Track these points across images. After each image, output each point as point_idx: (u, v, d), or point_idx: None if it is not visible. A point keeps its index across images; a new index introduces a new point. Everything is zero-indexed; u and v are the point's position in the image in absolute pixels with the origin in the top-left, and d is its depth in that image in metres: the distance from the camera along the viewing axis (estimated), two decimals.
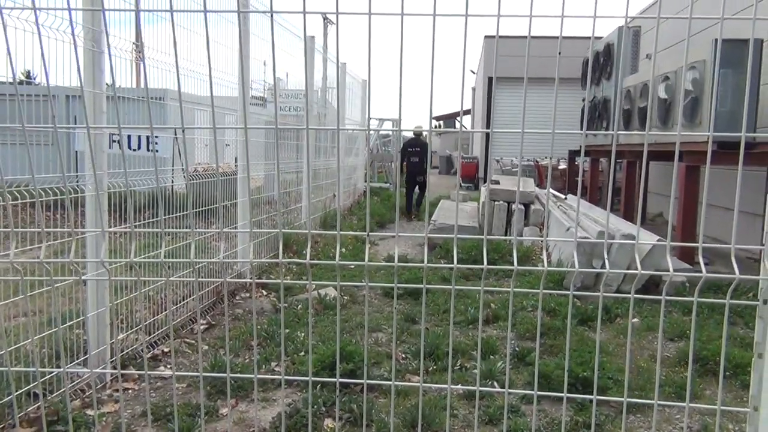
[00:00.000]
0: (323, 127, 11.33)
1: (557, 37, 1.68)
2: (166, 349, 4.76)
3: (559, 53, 1.66)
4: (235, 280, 6.49)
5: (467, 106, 35.75)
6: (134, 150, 4.99)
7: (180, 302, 5.41)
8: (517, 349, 4.82)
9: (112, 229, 3.72)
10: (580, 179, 2.02)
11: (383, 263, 7.58)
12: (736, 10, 9.66)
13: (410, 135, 13.96)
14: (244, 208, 6.58)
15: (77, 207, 4.13)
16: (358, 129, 15.14)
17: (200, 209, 5.85)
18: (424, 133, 13.31)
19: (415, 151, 13.31)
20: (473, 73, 32.46)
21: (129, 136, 4.89)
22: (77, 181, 4.17)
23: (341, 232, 1.67)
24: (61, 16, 3.50)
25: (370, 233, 1.74)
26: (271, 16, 1.40)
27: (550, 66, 13.02)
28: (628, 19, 1.80)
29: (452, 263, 1.61)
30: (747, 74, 6.13)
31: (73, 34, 1.36)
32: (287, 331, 5.13)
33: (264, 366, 4.48)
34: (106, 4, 3.90)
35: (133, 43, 4.85)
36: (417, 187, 13.43)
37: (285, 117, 10.64)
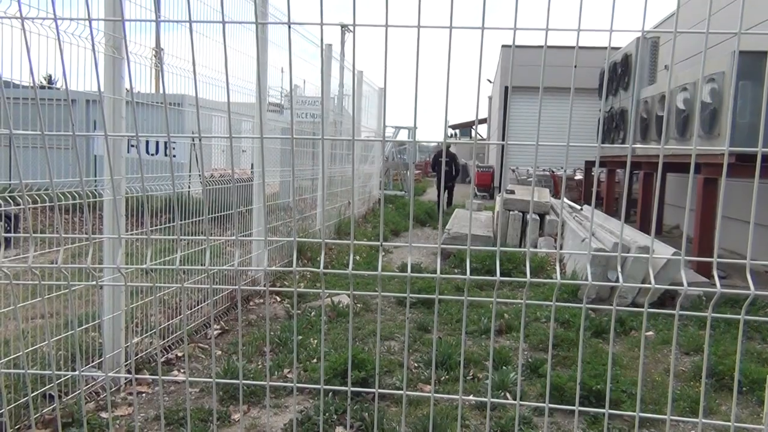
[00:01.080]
0: (338, 136, 11.37)
1: (573, 48, 1.68)
2: (180, 354, 4.79)
3: (575, 66, 1.66)
4: (249, 287, 6.52)
5: (484, 115, 35.71)
6: (152, 155, 5.06)
7: (194, 307, 5.44)
8: (530, 360, 4.80)
9: (127, 236, 3.75)
10: (594, 190, 2.01)
11: (396, 273, 7.58)
12: (755, 23, 9.58)
13: (430, 144, 15.10)
14: (259, 215, 6.61)
15: (95, 211, 4.18)
16: (373, 140, 15.19)
17: (216, 215, 5.89)
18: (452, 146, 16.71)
19: (444, 161, 16.13)
20: (490, 82, 32.45)
21: (147, 141, 4.95)
22: (95, 186, 4.22)
23: (354, 242, 1.68)
24: (84, 22, 3.56)
25: (384, 243, 1.74)
26: (289, 27, 1.42)
27: (568, 75, 12.99)
28: (654, 23, 1.80)
29: (466, 273, 1.62)
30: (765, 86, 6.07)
31: (93, 49, 1.39)
32: (300, 337, 5.14)
33: (276, 372, 4.49)
34: (127, 11, 3.96)
35: (153, 50, 4.91)
36: (447, 192, 15.71)
37: (301, 123, 10.69)
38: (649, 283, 1.58)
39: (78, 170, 1.64)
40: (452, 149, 16.73)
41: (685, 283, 1.54)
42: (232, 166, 1.63)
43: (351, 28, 1.60)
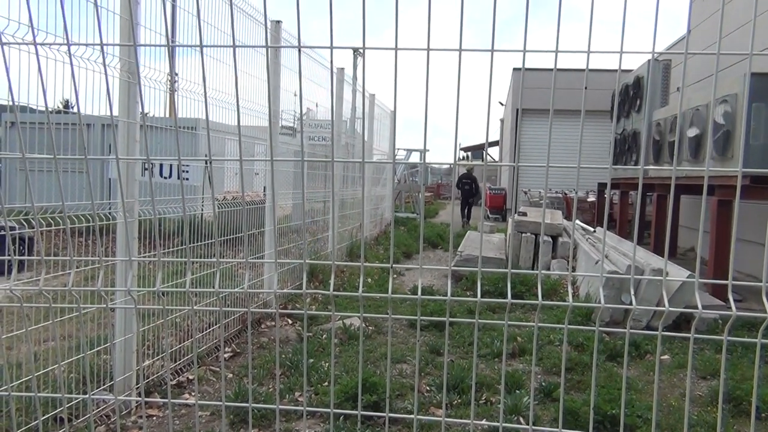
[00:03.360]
0: (350, 159, 11.41)
1: (588, 70, 1.68)
2: (191, 377, 4.78)
3: (585, 88, 1.66)
4: (260, 309, 6.51)
5: (496, 137, 35.78)
6: (165, 178, 5.09)
7: (205, 330, 5.44)
8: (543, 384, 4.74)
9: (138, 258, 3.77)
10: (606, 212, 2.00)
11: (407, 295, 7.54)
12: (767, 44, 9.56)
13: (442, 167, 17.05)
14: (271, 237, 6.63)
15: (109, 234, 4.20)
16: (384, 162, 15.30)
17: (228, 237, 5.91)
18: (475, 168, 21.42)
19: (467, 182, 20.52)
20: (502, 104, 32.53)
21: (161, 165, 4.99)
22: (110, 209, 4.25)
23: (365, 264, 1.68)
24: (98, 48, 3.62)
25: (393, 265, 1.74)
26: (299, 50, 1.43)
27: (580, 98, 13.01)
28: (656, 54, 1.80)
29: (478, 295, 1.61)
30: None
31: (105, 73, 1.41)
32: (311, 360, 5.12)
33: (287, 396, 4.47)
34: (142, 37, 4.02)
35: (167, 75, 4.98)
36: (468, 207, 20.31)
37: (314, 147, 10.76)
38: (664, 306, 1.56)
39: (90, 193, 1.65)
40: (474, 173, 21.31)
41: (699, 306, 1.52)
42: (242, 188, 1.63)
43: (362, 51, 1.61)
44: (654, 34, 1.65)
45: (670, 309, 1.53)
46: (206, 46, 1.40)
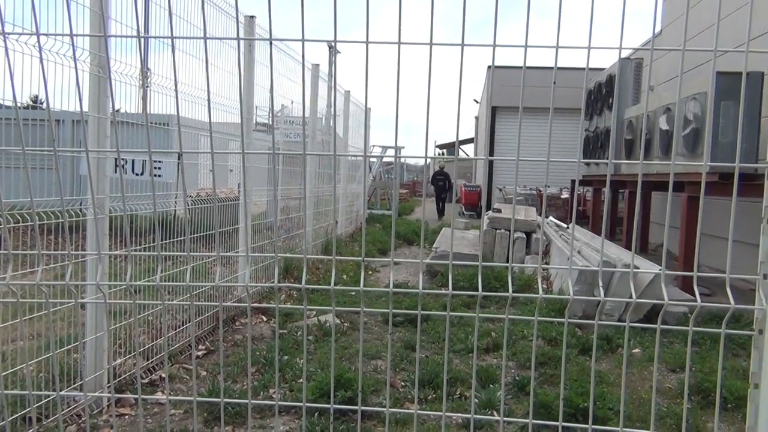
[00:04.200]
0: (325, 153, 11.39)
1: (560, 68, 1.70)
2: (163, 375, 4.73)
3: (554, 83, 1.68)
4: (233, 304, 6.47)
5: (471, 134, 35.96)
6: (138, 174, 5.03)
7: (178, 327, 5.39)
8: (517, 378, 4.78)
9: (108, 253, 3.72)
10: (573, 206, 2.03)
11: (379, 288, 7.54)
12: (739, 43, 9.75)
13: (417, 164, 17.53)
14: (245, 234, 6.59)
15: (79, 231, 4.14)
16: (358, 155, 15.30)
17: (201, 234, 5.86)
18: (446, 167, 23.43)
19: (440, 178, 22.52)
20: (477, 102, 32.69)
21: (133, 161, 4.93)
22: (81, 205, 4.19)
23: (337, 257, 1.68)
24: (68, 41, 3.55)
25: (366, 259, 1.74)
26: (270, 43, 1.43)
27: (555, 96, 13.13)
28: (629, 51, 1.82)
29: (449, 287, 1.62)
30: (741, 106, 6.19)
31: (75, 65, 1.39)
32: (285, 357, 5.10)
33: (262, 393, 4.45)
34: (113, 30, 3.96)
35: (140, 70, 4.91)
36: (441, 203, 22.44)
37: (289, 144, 10.71)
38: (635, 301, 1.58)
39: (56, 189, 1.63)
40: (445, 169, 23.31)
41: (665, 297, 1.55)
42: (213, 183, 1.62)
43: (339, 49, 1.61)
44: (621, 29, 1.68)
45: (638, 300, 1.55)
46: (177, 38, 1.39)
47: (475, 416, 3.88)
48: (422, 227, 1.83)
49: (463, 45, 1.57)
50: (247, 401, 1.70)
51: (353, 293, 7.48)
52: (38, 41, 1.40)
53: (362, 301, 1.62)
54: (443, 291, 1.48)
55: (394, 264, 9.60)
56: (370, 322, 6.56)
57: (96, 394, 3.92)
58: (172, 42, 1.38)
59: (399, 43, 1.55)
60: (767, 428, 1.49)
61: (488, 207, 22.86)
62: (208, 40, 1.55)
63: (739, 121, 1.63)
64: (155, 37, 3.27)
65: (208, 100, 1.44)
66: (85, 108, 3.77)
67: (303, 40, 1.55)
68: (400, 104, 1.74)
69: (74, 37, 1.56)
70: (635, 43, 17.76)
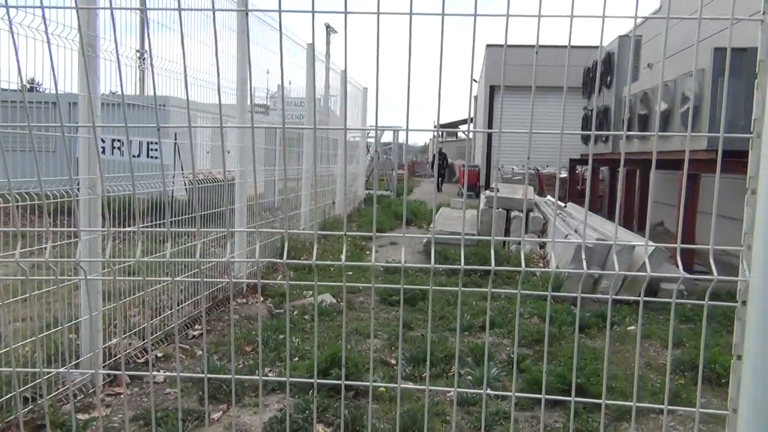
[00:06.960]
0: (326, 134, 11.37)
1: (559, 46, 1.68)
2: (160, 354, 4.76)
3: (569, 49, 1.65)
4: (242, 280, 6.50)
5: (472, 113, 35.87)
6: (135, 156, 5.01)
7: (174, 308, 5.40)
8: (511, 355, 4.81)
9: (117, 230, 3.71)
10: (556, 184, 2.02)
11: (390, 264, 7.56)
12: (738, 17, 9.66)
13: (416, 145, 19.34)
14: (241, 214, 6.57)
15: (67, 212, 4.14)
16: (364, 128, 15.26)
17: (197, 214, 5.86)
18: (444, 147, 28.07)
19: (440, 157, 26.97)
20: (476, 81, 32.52)
21: (130, 142, 4.91)
22: (78, 186, 4.17)
23: (347, 233, 1.67)
24: (58, 20, 3.51)
25: (377, 234, 1.74)
26: (246, 14, 1.41)
27: (551, 75, 13.06)
28: (637, 21, 1.80)
29: (452, 269, 1.62)
30: (726, 81, 6.15)
31: (48, 41, 1.37)
32: (281, 336, 5.12)
33: (256, 371, 4.47)
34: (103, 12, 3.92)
35: (137, 51, 4.87)
36: (441, 178, 26.86)
37: (287, 124, 10.68)
38: (627, 277, 1.58)
39: (37, 170, 1.62)
40: (444, 150, 26.96)
41: (648, 269, 1.55)
42: (193, 164, 1.61)
43: (335, 29, 1.59)
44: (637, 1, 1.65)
45: (620, 273, 1.55)
46: (150, 9, 1.37)
47: (459, 389, 3.91)
48: (434, 201, 1.83)
49: (476, 15, 1.55)
50: (229, 376, 1.70)
51: (350, 272, 7.50)
52: (7, 13, 1.38)
53: (373, 276, 1.63)
54: (456, 266, 1.48)
55: (394, 243, 9.56)
56: (368, 302, 6.58)
57: (76, 370, 3.94)
58: (145, 14, 1.36)
59: (411, 14, 1.53)
60: (749, 399, 1.50)
61: (487, 186, 22.88)
62: (202, 17, 1.53)
63: (723, 97, 1.62)
64: (125, 8, 3.21)
65: (185, 74, 1.43)
66: (75, 89, 3.73)
67: (313, 12, 1.53)
68: (396, 84, 1.72)
69: (69, 16, 1.54)
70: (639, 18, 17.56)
